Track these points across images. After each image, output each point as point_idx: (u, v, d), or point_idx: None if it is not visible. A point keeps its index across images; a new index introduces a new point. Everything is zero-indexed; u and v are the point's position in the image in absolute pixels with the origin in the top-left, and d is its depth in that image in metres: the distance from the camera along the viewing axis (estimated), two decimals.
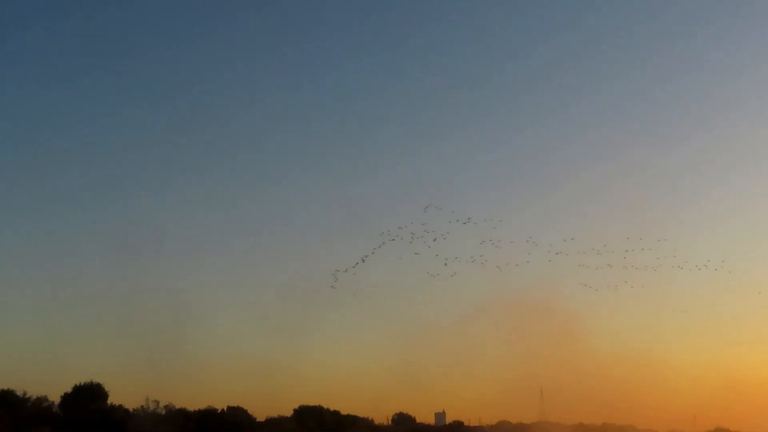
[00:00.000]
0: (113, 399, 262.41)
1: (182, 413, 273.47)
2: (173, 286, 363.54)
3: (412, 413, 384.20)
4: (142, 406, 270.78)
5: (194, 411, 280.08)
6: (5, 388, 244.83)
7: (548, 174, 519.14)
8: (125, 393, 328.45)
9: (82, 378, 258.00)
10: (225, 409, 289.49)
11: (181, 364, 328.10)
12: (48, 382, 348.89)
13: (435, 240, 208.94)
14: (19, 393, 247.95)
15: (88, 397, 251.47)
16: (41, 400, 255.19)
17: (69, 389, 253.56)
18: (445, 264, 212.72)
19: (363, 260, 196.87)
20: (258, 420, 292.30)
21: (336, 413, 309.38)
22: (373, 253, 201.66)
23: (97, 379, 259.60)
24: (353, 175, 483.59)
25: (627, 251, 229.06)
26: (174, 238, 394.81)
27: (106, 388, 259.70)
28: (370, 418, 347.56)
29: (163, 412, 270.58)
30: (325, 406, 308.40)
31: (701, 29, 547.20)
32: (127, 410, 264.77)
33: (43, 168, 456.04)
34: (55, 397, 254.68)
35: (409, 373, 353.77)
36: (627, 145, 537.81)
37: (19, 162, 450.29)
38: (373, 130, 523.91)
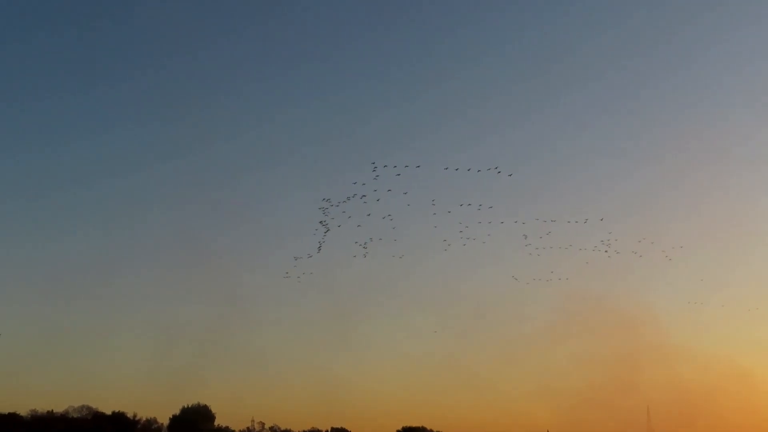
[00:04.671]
0: (220, 420, 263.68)
1: None
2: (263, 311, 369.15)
3: None
4: (248, 428, 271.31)
5: None
6: (117, 410, 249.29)
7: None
8: (231, 415, 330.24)
9: (190, 400, 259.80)
10: (329, 429, 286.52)
11: (283, 386, 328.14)
12: (157, 404, 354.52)
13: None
14: (130, 415, 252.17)
15: (195, 418, 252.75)
16: (151, 422, 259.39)
17: (177, 411, 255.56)
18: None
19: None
20: None
21: None
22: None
23: (204, 402, 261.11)
24: None
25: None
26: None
27: (213, 410, 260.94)
28: None
29: None
30: (429, 427, 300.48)
31: None
32: (233, 431, 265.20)
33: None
34: (164, 419, 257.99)
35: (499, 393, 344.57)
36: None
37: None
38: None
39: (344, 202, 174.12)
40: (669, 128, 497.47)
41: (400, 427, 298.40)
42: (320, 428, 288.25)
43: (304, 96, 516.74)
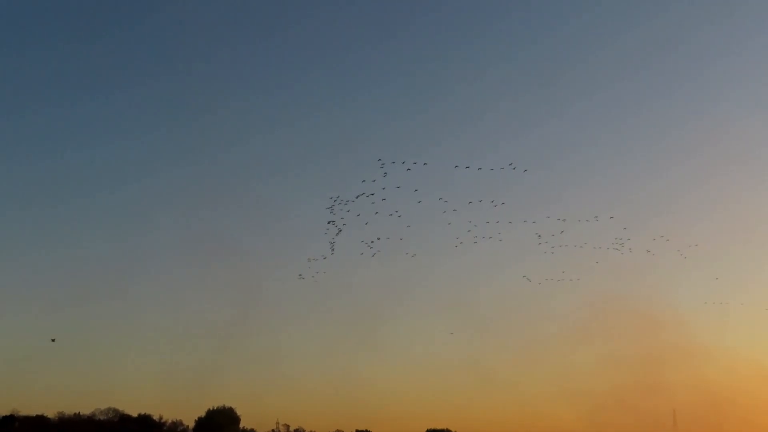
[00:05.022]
0: (245, 423, 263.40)
1: None
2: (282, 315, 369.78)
3: None
4: (273, 430, 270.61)
5: None
6: (142, 412, 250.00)
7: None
8: (256, 417, 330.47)
9: (215, 402, 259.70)
10: None
11: (307, 388, 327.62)
12: (182, 406, 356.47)
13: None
14: (156, 417, 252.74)
15: (221, 421, 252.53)
16: (176, 424, 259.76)
17: (203, 413, 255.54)
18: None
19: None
20: None
21: None
22: None
23: (229, 404, 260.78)
24: None
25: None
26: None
27: (238, 412, 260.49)
28: None
29: None
30: (453, 430, 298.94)
31: None
32: None
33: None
34: (189, 422, 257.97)
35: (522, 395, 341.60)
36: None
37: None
38: None
39: (353, 201, 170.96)
40: (683, 128, 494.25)
41: (424, 430, 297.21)
42: (345, 431, 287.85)
43: (315, 98, 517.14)
